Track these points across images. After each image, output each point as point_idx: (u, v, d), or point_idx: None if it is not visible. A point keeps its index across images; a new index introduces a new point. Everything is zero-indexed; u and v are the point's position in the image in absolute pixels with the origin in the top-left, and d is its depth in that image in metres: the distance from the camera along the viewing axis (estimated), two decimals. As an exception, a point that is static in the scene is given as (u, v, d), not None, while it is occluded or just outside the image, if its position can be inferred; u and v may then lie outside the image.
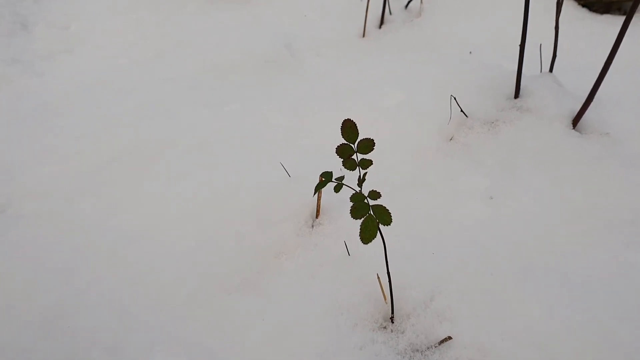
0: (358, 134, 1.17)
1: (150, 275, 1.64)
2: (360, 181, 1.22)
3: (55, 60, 3.13)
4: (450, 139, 2.12)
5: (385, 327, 1.43)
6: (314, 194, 1.32)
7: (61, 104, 2.66)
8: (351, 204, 1.17)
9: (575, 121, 2.04)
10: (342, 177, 1.23)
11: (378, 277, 1.45)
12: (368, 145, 1.18)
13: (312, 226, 1.76)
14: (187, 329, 1.48)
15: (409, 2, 3.55)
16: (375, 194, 1.18)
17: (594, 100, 1.98)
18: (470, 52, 3.01)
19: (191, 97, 2.61)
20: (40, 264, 1.70)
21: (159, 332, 1.47)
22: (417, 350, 1.36)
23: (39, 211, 1.92)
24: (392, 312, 1.43)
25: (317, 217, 1.79)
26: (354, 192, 1.19)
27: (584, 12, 3.40)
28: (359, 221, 1.17)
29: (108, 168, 2.11)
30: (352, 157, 1.19)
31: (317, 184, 1.24)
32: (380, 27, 3.48)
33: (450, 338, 1.36)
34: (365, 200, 1.17)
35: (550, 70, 2.34)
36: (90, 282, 1.63)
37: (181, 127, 2.33)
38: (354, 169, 1.19)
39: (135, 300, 1.57)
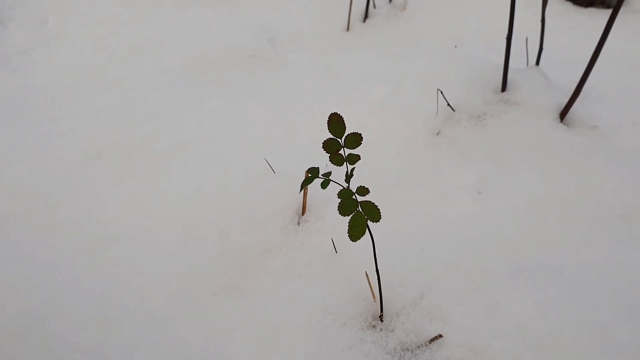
0: (345, 128, 1.13)
1: (131, 276, 1.59)
2: (348, 177, 1.18)
3: (32, 56, 3.04)
4: (437, 133, 2.09)
5: (374, 326, 1.40)
6: (300, 190, 1.28)
7: (38, 101, 2.58)
8: (338, 200, 1.13)
9: (563, 114, 2.02)
10: (329, 173, 1.19)
11: (367, 275, 1.42)
12: (356, 139, 1.14)
13: (298, 223, 1.72)
14: (170, 332, 1.43)
15: (393, -4, 3.53)
16: (363, 190, 1.15)
17: (581, 93, 1.96)
18: (456, 46, 2.98)
19: (172, 92, 2.55)
20: (17, 266, 1.64)
21: (141, 335, 1.43)
22: (407, 349, 1.33)
23: (16, 211, 1.85)
24: (382, 311, 1.40)
25: (303, 214, 1.75)
26: (340, 188, 1.15)
27: (568, 5, 3.40)
28: (346, 217, 1.13)
29: (87, 166, 2.05)
30: (340, 152, 1.15)
31: (304, 180, 1.20)
32: (364, 20, 3.44)
33: (440, 336, 1.33)
34: (354, 197, 1.14)
35: (537, 63, 2.32)
36: (69, 284, 1.58)
37: (162, 124, 2.27)
38: (341, 165, 1.16)
39: (116, 303, 1.52)
